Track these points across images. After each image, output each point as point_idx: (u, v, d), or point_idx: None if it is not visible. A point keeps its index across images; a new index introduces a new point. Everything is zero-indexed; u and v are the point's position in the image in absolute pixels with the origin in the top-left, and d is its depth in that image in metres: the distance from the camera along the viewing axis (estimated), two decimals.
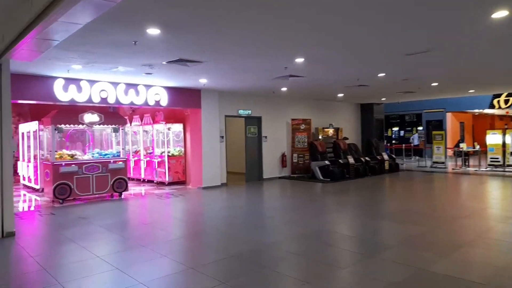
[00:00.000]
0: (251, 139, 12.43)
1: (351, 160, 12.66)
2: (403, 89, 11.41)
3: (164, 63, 6.86)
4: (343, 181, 11.80)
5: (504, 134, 13.91)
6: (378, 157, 14.00)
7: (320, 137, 13.85)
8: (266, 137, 12.66)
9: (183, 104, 10.49)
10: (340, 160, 12.60)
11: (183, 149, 11.68)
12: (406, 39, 5.57)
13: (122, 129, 9.66)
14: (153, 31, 4.90)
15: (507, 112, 24.24)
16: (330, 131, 14.43)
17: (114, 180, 9.12)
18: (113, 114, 9.89)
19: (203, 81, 9.06)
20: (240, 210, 7.80)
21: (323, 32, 5.06)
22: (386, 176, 13.11)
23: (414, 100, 19.42)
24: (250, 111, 12.18)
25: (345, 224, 6.52)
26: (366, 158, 13.47)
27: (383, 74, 8.48)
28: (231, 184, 11.52)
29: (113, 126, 9.53)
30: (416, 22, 4.74)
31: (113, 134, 10.09)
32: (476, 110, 20.67)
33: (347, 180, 12.06)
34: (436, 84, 10.32)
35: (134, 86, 9.25)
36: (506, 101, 18.09)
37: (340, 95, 12.71)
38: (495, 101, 18.35)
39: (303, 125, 13.29)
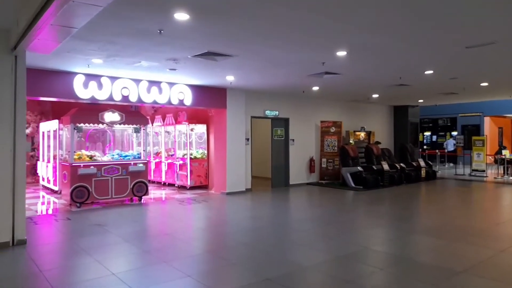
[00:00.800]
0: (278, 142, 11.71)
1: (385, 166, 11.74)
2: (447, 89, 10.43)
3: (190, 56, 6.24)
4: (377, 189, 10.91)
5: None
6: (414, 163, 13.02)
7: (351, 141, 12.99)
8: (293, 140, 11.92)
9: (208, 103, 9.88)
10: (373, 167, 11.70)
11: (206, 152, 11.08)
12: (470, 28, 4.74)
13: (143, 129, 9.12)
14: (181, 16, 4.26)
15: None
16: (362, 135, 13.55)
17: (134, 183, 8.57)
18: (134, 114, 9.37)
19: (230, 78, 8.41)
20: (268, 220, 7.07)
21: (373, 14, 4.28)
22: (423, 184, 12.13)
23: (449, 103, 18.30)
24: (277, 112, 11.47)
25: (389, 240, 5.70)
26: (401, 164, 12.52)
27: (431, 72, 7.60)
28: (256, 189, 10.82)
29: (134, 126, 9.01)
30: (484, 5, 3.92)
31: (134, 134, 9.57)
32: None
33: (381, 188, 11.17)
34: (486, 84, 9.32)
35: (157, 83, 8.69)
36: None
37: (375, 95, 11.82)
38: None
39: (333, 127, 12.47)
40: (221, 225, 6.90)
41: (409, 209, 8.28)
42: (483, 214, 7.59)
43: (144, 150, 9.09)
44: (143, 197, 8.83)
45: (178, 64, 6.79)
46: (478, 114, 18.96)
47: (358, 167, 11.51)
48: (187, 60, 6.52)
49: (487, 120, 18.96)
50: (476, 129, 18.81)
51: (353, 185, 11.31)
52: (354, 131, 13.35)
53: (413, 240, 5.61)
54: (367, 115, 14.48)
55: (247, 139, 10.69)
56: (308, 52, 6.01)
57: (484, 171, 14.24)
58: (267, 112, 11.24)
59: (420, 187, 11.65)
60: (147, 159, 9.13)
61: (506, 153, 14.20)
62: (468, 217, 7.18)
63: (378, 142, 13.87)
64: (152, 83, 8.61)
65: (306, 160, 12.31)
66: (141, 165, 8.71)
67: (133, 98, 8.34)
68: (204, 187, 11.09)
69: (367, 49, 5.81)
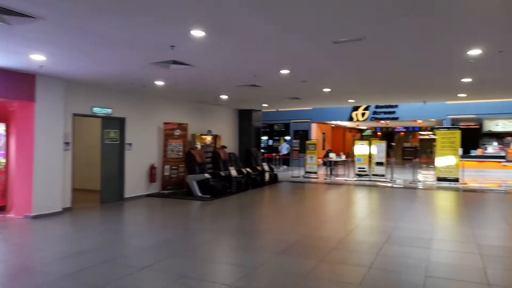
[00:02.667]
0: (110, 147, 9.55)
1: (233, 172, 11.06)
2: (294, 93, 10.44)
3: None
4: (226, 197, 10.07)
5: (370, 145, 14.60)
6: (259, 168, 12.85)
7: (197, 145, 11.86)
8: (130, 144, 9.96)
9: (6, 93, 7.05)
10: (221, 173, 10.85)
11: (4, 160, 8.01)
12: (340, 17, 4.18)
13: None
14: None
15: (358, 125, 27.08)
16: (208, 139, 12.60)
17: None
18: None
19: (38, 58, 6.01)
20: (94, 258, 5.10)
21: None
22: (267, 189, 12.02)
23: (285, 110, 19.44)
24: (110, 110, 9.32)
25: (253, 269, 4.70)
26: (248, 169, 12.12)
27: (287, 72, 7.09)
28: (79, 208, 8.43)
29: None
30: None
31: None
32: (339, 122, 22.10)
33: (229, 195, 10.39)
34: (329, 90, 9.62)
35: None
36: (363, 114, 19.69)
37: (224, 97, 11.01)
38: (353, 114, 19.77)
39: (178, 130, 11.07)
40: (16, 273, 4.57)
41: (259, 217, 7.63)
42: (334, 223, 7.54)
43: None
44: None
45: None
46: (307, 120, 20.80)
47: (206, 174, 10.45)
48: None
49: (314, 126, 21.01)
50: (306, 134, 20.60)
51: (200, 194, 10.17)
52: (201, 135, 12.28)
53: (265, 262, 4.76)
54: (214, 118, 13.67)
55: (67, 143, 8.21)
56: (153, 27, 4.47)
57: (316, 172, 15.39)
58: (96, 110, 8.98)
59: (266, 192, 11.45)
60: None
61: (333, 156, 15.71)
62: (319, 225, 6.93)
63: (224, 147, 13.21)
64: None
65: (146, 168, 10.52)
66: None
67: None
68: (1, 209, 7.99)
69: (229, 31, 4.67)
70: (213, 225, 6.97)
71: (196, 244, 5.62)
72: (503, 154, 15.79)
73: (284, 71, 7.04)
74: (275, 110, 16.49)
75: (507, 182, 13.56)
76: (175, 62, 6.20)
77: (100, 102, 9.08)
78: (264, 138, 22.64)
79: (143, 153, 10.38)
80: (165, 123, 11.01)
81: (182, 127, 11.21)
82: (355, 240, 5.80)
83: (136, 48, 5.42)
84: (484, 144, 17.90)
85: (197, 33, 4.64)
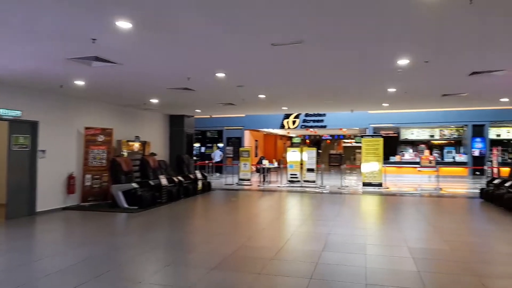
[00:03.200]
0: (19, 154, 8.33)
1: (163, 181, 10.38)
2: (229, 99, 10.15)
3: None
4: (155, 208, 9.38)
5: (301, 152, 14.87)
6: (191, 176, 12.30)
7: (124, 152, 10.95)
8: (44, 151, 8.81)
9: None
10: (150, 182, 10.11)
11: None
12: (280, 20, 4.02)
13: None
14: None
15: (288, 133, 27.71)
16: (136, 145, 11.74)
17: None
18: None
19: None
20: None
21: None
22: (200, 197, 11.53)
23: (218, 117, 19.12)
24: (19, 113, 8.15)
25: None
26: (179, 177, 11.51)
27: (223, 75, 6.78)
28: None
29: None
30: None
31: None
32: (271, 129, 22.32)
33: (159, 206, 9.71)
34: (264, 96, 9.51)
35: None
36: (294, 122, 20.14)
37: (154, 100, 10.32)
38: (285, 122, 20.14)
39: (101, 136, 10.10)
40: None
41: (196, 231, 7.16)
42: (272, 231, 7.35)
43: None
44: None
45: None
46: (240, 127, 20.69)
47: (133, 184, 9.65)
48: None
49: (246, 133, 20.96)
50: (239, 141, 20.46)
51: (126, 205, 9.34)
52: (128, 141, 11.39)
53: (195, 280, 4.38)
54: (142, 123, 12.81)
55: None
56: (68, 12, 3.85)
57: (249, 179, 15.27)
58: (2, 112, 7.78)
59: (199, 200, 10.96)
60: None
61: (266, 162, 15.74)
62: (254, 236, 6.69)
63: (154, 154, 12.42)
64: None
65: (63, 178, 9.39)
66: None
67: None
68: None
69: (160, 25, 4.23)
70: (140, 240, 6.32)
71: (121, 262, 4.99)
72: (418, 160, 17.19)
73: (220, 74, 6.73)
74: (208, 116, 16.06)
75: (422, 186, 14.74)
76: (98, 59, 5.53)
77: (7, 103, 7.89)
78: (197, 145, 22.03)
79: (59, 161, 9.25)
80: (87, 128, 9.98)
81: (106, 132, 10.27)
82: (293, 249, 5.65)
83: (45, 39, 4.68)
84: (402, 151, 19.41)
85: (123, 24, 4.11)
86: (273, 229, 7.10)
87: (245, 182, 15.20)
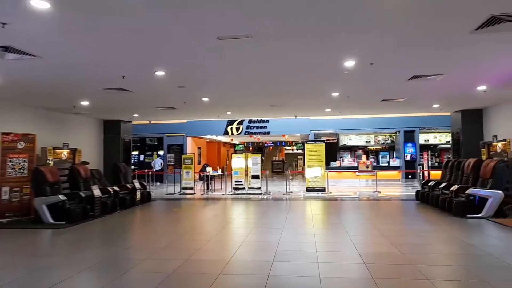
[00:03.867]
0: None
1: (96, 191, 9.41)
2: (170, 102, 9.52)
3: None
4: (86, 222, 8.42)
5: (246, 158, 14.58)
6: (129, 185, 11.37)
7: (50, 161, 9.78)
8: None
9: None
10: (81, 193, 9.10)
11: None
12: (228, 11, 3.67)
13: None
14: None
15: (232, 140, 27.36)
16: (65, 153, 10.58)
17: None
18: None
19: None
20: None
21: None
22: (139, 209, 10.67)
23: (158, 123, 18.23)
24: None
25: None
26: (115, 187, 10.56)
27: (163, 73, 6.23)
28: None
29: None
30: None
31: None
32: (214, 136, 21.80)
33: (91, 220, 8.75)
34: (207, 99, 9.05)
35: None
36: (238, 129, 19.85)
37: (85, 103, 9.35)
38: (229, 128, 19.78)
39: (22, 143, 8.89)
40: None
41: (133, 246, 6.44)
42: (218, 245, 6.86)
43: None
44: None
45: None
46: (182, 134, 19.92)
47: (60, 196, 8.58)
48: None
49: (189, 140, 20.23)
50: (180, 149, 19.65)
51: (51, 220, 8.27)
52: (54, 148, 10.22)
53: None
54: (72, 128, 11.64)
55: None
56: None
57: (192, 188, 14.63)
58: None
59: (138, 212, 10.12)
60: None
61: (209, 170, 15.20)
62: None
63: (85, 162, 11.30)
64: None
65: None
66: None
67: None
68: None
69: (87, 7, 3.62)
70: (67, 260, 5.48)
71: None
72: (356, 165, 17.79)
73: (160, 73, 6.16)
74: (147, 122, 15.15)
75: (361, 189, 15.23)
76: (11, 50, 4.71)
77: None
78: (135, 153, 20.78)
79: None
80: (3, 134, 8.73)
81: (28, 138, 9.08)
82: (242, 261, 5.25)
83: None
84: (341, 157, 20.04)
85: (39, 3, 3.45)
86: (219, 241, 6.63)
87: (188, 191, 14.55)
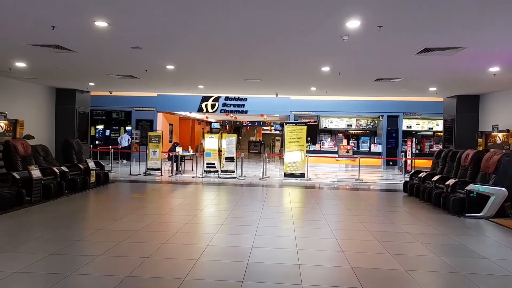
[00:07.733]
0: None
1: (35, 173, 7.84)
2: (127, 69, 7.93)
3: None
4: (18, 211, 6.92)
5: (220, 139, 13.23)
6: (81, 165, 9.81)
7: None
8: None
9: None
10: (15, 174, 7.53)
11: None
12: None
13: None
14: None
15: (207, 117, 25.77)
16: (1, 125, 8.88)
17: None
18: None
19: None
20: None
21: None
22: (92, 192, 9.22)
23: (125, 95, 16.53)
24: None
25: None
26: (63, 168, 9.01)
27: (105, 24, 4.67)
28: None
29: None
30: None
31: None
32: (188, 113, 20.24)
33: (28, 206, 7.26)
34: (172, 67, 7.53)
35: None
36: (213, 106, 18.34)
37: (21, 64, 7.63)
38: (203, 105, 18.26)
39: None
40: None
41: (73, 246, 5.02)
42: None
43: None
44: None
45: None
46: (152, 109, 18.26)
47: None
48: None
49: (159, 116, 18.60)
50: (150, 125, 18.01)
51: None
52: None
53: None
54: (12, 96, 9.89)
55: None
56: None
57: (159, 169, 13.23)
58: None
59: (90, 197, 8.67)
60: None
61: (179, 150, 13.77)
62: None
63: (30, 136, 9.66)
64: None
65: None
66: None
67: None
68: None
69: None
70: None
71: None
72: (336, 149, 16.78)
73: (101, 23, 4.59)
74: (108, 93, 13.43)
75: (341, 176, 14.29)
76: None
77: None
78: (100, 127, 18.98)
79: None
80: None
81: None
82: (205, 277, 3.99)
83: None
84: (321, 140, 18.99)
85: None
86: (181, 241, 5.31)
87: (155, 172, 13.14)
